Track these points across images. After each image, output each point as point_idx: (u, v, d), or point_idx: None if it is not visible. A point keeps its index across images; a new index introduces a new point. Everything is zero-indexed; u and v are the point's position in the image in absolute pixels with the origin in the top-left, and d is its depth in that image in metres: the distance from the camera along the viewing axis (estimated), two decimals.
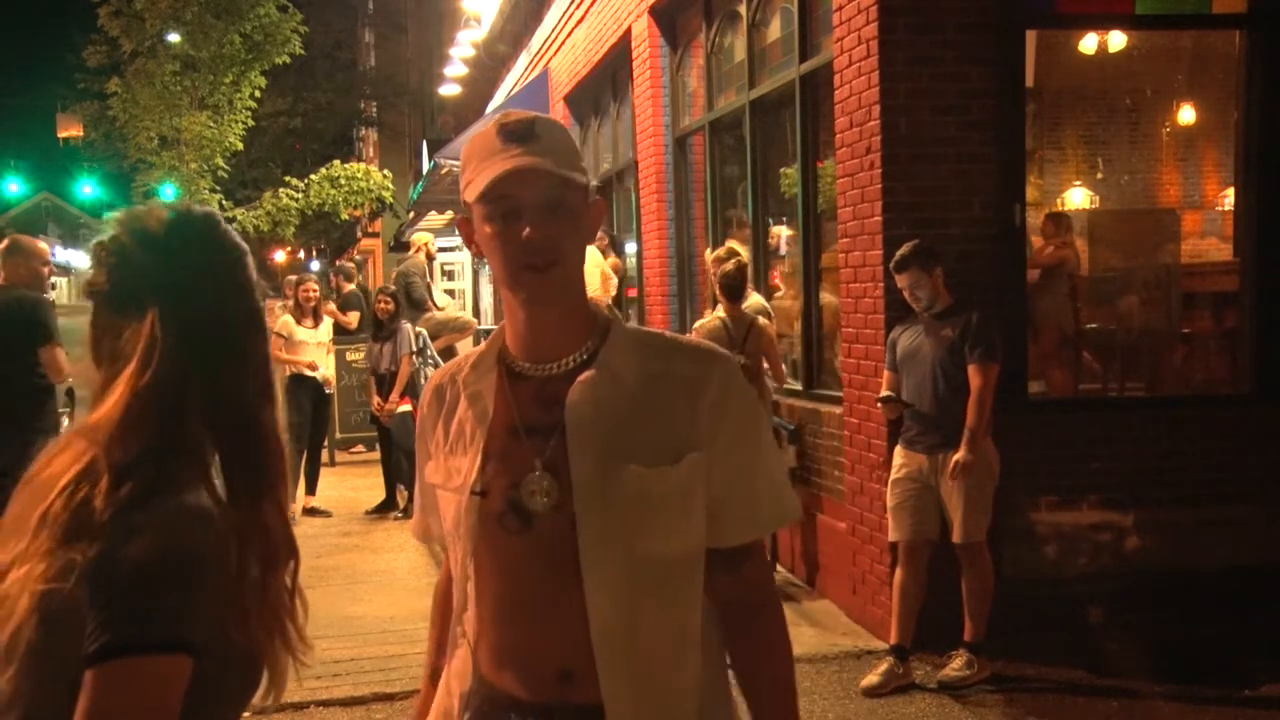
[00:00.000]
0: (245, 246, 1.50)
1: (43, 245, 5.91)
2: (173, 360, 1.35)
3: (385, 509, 8.95)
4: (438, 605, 1.88)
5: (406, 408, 8.80)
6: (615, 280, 9.45)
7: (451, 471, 1.66)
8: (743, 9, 7.30)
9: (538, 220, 1.53)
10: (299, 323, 8.99)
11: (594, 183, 11.58)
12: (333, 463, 11.09)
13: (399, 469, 8.94)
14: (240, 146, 13.21)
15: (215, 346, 1.40)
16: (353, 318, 11.62)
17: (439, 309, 11.11)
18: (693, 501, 1.59)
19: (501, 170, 1.52)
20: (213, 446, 1.39)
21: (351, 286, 12.69)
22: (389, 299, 9.12)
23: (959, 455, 4.65)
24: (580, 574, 1.55)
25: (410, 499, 8.97)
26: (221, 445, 1.40)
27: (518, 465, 1.59)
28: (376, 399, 8.91)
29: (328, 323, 9.55)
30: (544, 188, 1.53)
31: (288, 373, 8.86)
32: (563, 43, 11.75)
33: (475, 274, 21.72)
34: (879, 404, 5.02)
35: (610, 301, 9.41)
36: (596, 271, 9.23)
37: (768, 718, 1.67)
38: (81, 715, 1.20)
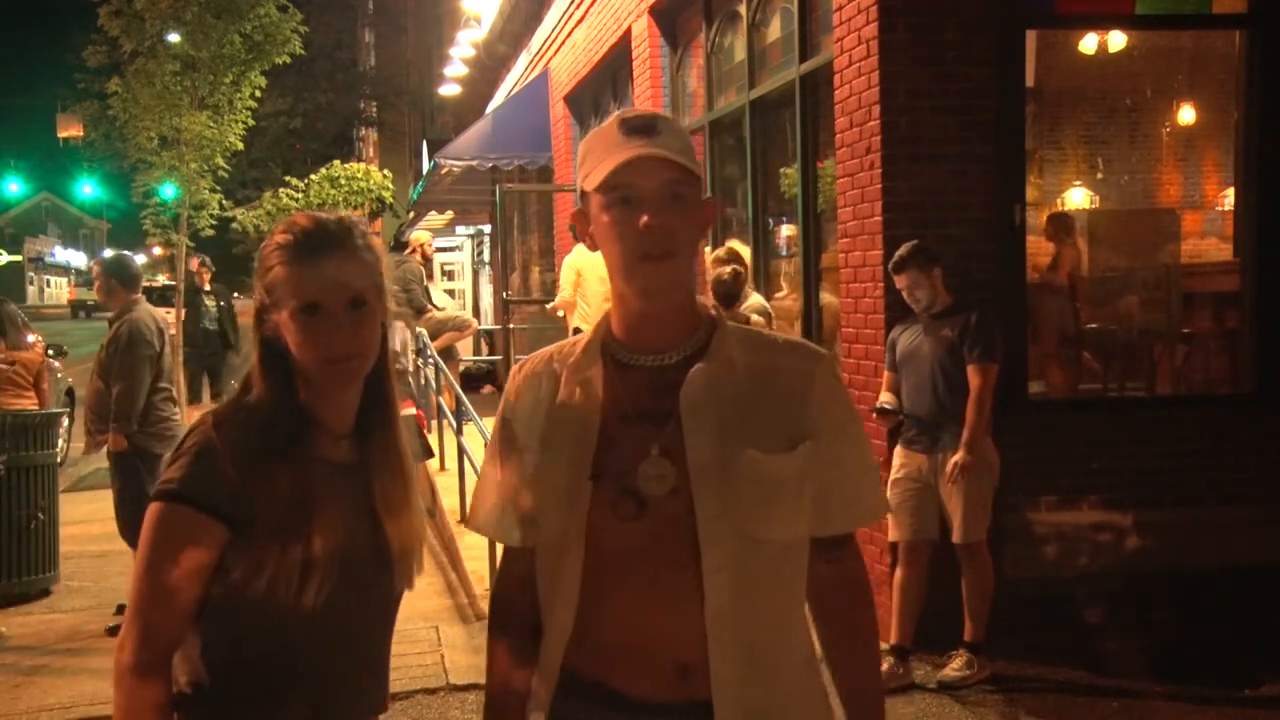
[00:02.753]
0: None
1: None
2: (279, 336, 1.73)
3: None
4: (499, 614, 1.79)
5: (410, 411, 8.76)
6: None
7: (556, 460, 1.65)
8: (743, 9, 7.30)
9: (656, 210, 1.56)
10: None
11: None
12: None
13: None
14: (240, 146, 13.17)
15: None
16: None
17: (438, 309, 11.12)
18: (804, 489, 1.64)
19: (625, 158, 1.56)
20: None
21: None
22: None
23: (958, 457, 4.64)
24: (695, 560, 1.56)
25: None
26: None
27: (632, 451, 1.60)
28: None
29: None
30: (663, 179, 1.57)
31: None
32: (563, 43, 11.75)
33: (475, 274, 21.73)
34: (874, 415, 5.02)
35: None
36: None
37: (861, 703, 1.73)
38: None
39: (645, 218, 1.56)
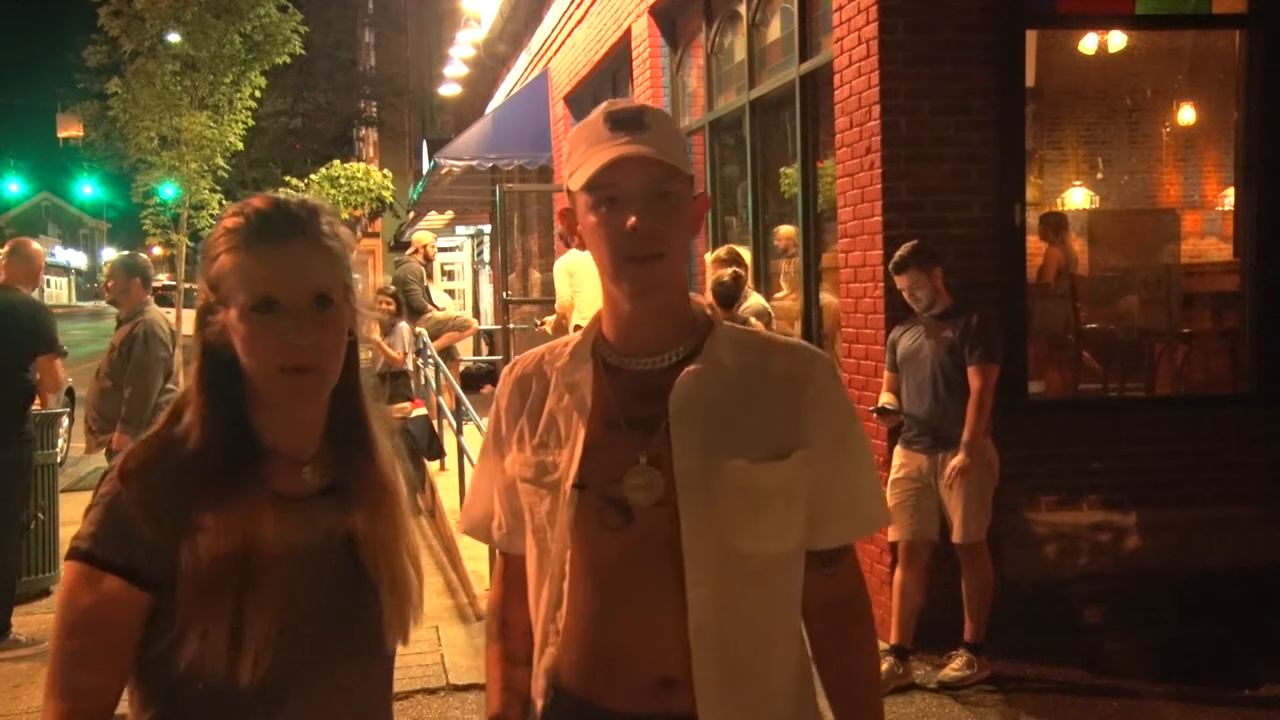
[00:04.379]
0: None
1: (37, 247, 5.95)
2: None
3: None
4: (496, 625, 1.74)
5: (421, 411, 8.77)
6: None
7: (543, 465, 1.59)
8: (743, 9, 7.30)
9: (643, 210, 1.49)
10: None
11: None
12: None
13: None
14: (240, 146, 13.20)
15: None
16: None
17: (438, 309, 11.13)
18: (796, 500, 1.56)
19: (609, 158, 1.49)
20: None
21: None
22: (389, 299, 9.19)
23: (957, 460, 4.64)
24: (681, 573, 1.50)
25: (410, 500, 9.03)
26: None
27: (618, 459, 1.53)
28: None
29: None
30: (650, 178, 1.50)
31: None
32: (563, 43, 11.75)
33: (475, 274, 21.74)
34: (874, 414, 5.02)
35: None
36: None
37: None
38: None
39: (632, 219, 1.49)
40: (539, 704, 1.60)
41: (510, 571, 1.72)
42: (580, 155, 1.53)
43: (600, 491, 1.54)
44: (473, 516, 1.76)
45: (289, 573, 1.41)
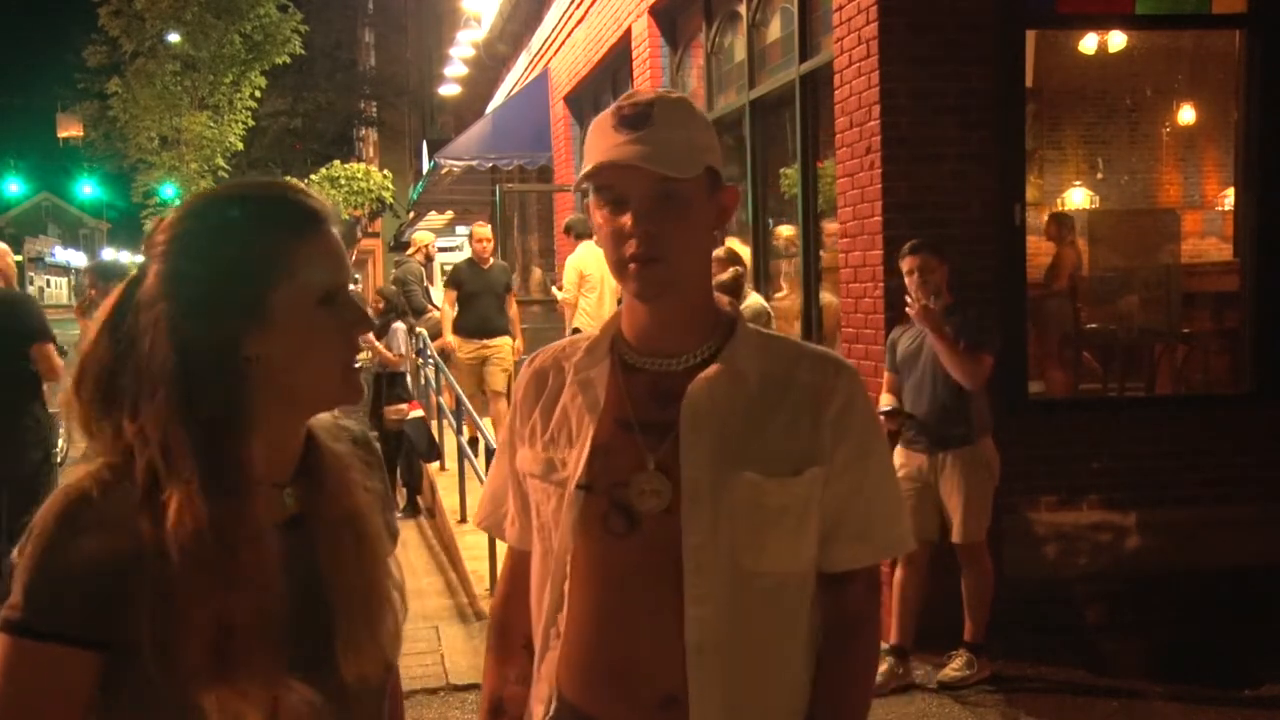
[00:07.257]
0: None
1: (4, 246, 5.91)
2: None
3: None
4: (497, 626, 1.72)
5: (418, 413, 8.76)
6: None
7: (552, 462, 1.54)
8: (743, 9, 7.30)
9: (640, 213, 1.44)
10: None
11: None
12: None
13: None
14: (240, 146, 13.23)
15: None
16: None
17: (438, 309, 11.13)
18: (808, 518, 1.50)
19: (600, 161, 1.45)
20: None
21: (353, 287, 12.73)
22: (379, 299, 9.22)
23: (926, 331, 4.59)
24: (683, 586, 1.45)
25: (409, 499, 8.97)
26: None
27: (627, 462, 1.48)
28: None
29: None
30: (649, 179, 1.43)
31: None
32: (563, 43, 11.75)
33: None
34: (880, 417, 5.00)
35: (617, 301, 9.42)
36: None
37: None
38: None
39: (627, 223, 1.44)
40: (539, 710, 1.56)
41: (518, 568, 1.68)
42: (588, 150, 1.50)
43: (607, 494, 1.49)
44: (486, 511, 1.73)
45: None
